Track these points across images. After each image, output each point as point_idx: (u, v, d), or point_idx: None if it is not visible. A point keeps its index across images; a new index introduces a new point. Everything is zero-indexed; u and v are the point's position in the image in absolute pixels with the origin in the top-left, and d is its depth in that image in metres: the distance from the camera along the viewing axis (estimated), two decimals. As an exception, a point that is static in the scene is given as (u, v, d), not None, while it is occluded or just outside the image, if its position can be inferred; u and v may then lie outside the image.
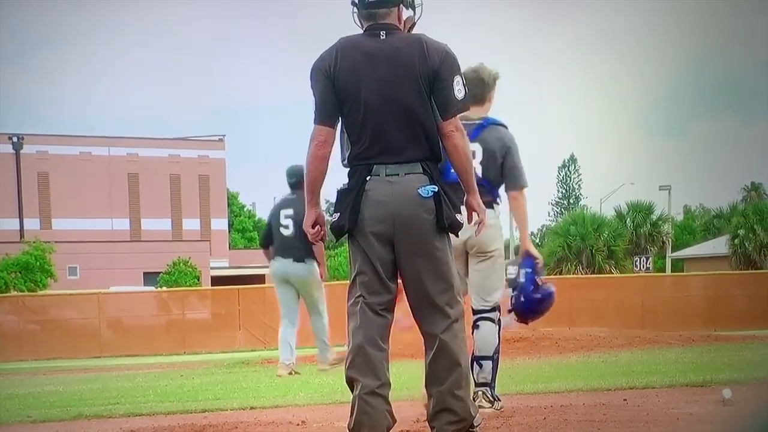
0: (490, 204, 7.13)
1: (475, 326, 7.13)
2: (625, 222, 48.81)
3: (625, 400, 7.25)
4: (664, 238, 49.67)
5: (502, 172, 7.11)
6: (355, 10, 5.47)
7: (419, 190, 5.32)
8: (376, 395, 5.33)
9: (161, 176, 49.88)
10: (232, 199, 65.49)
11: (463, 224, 5.46)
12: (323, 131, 5.37)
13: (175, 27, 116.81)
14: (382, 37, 5.36)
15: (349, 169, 5.44)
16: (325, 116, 5.37)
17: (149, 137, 52.63)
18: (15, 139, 46.41)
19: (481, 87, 7.08)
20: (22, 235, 43.95)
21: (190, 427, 6.87)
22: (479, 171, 7.03)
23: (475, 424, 5.47)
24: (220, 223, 53.14)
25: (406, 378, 9.14)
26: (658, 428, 5.86)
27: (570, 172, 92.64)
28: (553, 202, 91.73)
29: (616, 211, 50.63)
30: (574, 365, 11.78)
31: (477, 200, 5.49)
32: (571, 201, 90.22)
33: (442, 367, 5.38)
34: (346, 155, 5.45)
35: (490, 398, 6.97)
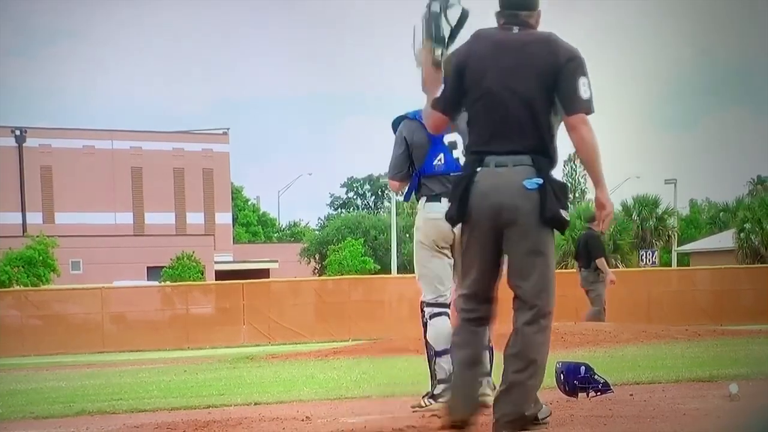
0: None
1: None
2: (631, 216, 48.69)
3: (631, 395, 7.20)
4: (670, 232, 49.58)
5: None
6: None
7: (524, 182, 5.35)
8: (472, 370, 5.50)
9: (165, 170, 49.88)
10: (236, 192, 65.50)
11: (568, 222, 5.47)
12: (439, 118, 5.66)
13: (180, 20, 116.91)
14: (514, 32, 5.49)
15: (465, 157, 5.64)
16: (444, 104, 5.59)
17: (153, 131, 52.72)
18: (18, 132, 46.43)
19: None
20: (24, 229, 43.99)
21: (194, 423, 6.83)
22: (461, 161, 7.03)
23: (540, 417, 5.50)
24: (224, 217, 53.16)
25: (412, 373, 9.11)
26: (664, 423, 5.82)
27: (576, 167, 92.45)
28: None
29: (621, 205, 50.52)
30: (579, 360, 11.70)
31: (605, 195, 5.49)
32: (577, 195, 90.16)
33: (518, 359, 5.38)
34: (465, 145, 5.65)
35: (492, 386, 6.98)
